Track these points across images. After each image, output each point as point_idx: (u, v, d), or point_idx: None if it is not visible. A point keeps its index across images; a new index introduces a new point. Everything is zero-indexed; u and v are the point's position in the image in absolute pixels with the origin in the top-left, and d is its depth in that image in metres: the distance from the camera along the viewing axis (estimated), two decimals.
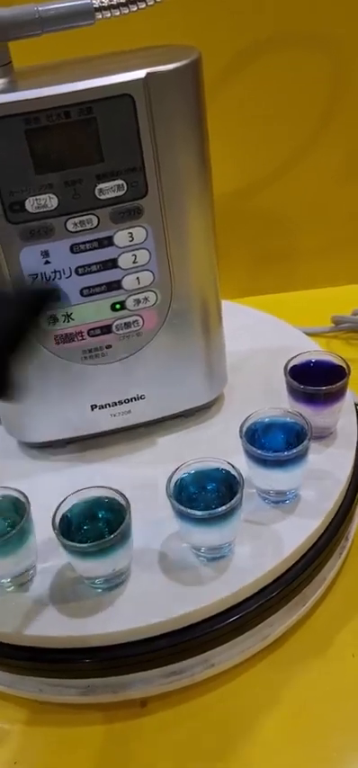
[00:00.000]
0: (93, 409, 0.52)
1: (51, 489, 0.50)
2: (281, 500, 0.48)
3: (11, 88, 0.41)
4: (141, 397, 0.52)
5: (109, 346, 0.49)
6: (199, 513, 0.42)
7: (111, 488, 0.43)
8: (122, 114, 0.41)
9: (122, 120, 0.41)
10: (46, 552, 0.47)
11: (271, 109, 0.72)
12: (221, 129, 0.64)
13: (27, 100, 0.40)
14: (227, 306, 0.56)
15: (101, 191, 0.43)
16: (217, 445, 0.51)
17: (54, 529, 0.42)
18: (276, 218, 0.79)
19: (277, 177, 0.76)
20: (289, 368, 0.52)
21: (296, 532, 0.46)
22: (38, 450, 0.56)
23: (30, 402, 0.52)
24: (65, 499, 0.43)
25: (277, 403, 0.50)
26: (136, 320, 0.48)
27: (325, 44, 0.70)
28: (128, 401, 0.52)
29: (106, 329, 0.48)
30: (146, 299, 0.47)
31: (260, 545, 0.46)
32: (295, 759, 0.41)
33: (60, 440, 0.55)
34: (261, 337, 0.65)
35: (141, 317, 0.48)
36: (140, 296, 0.47)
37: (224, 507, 0.42)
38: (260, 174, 0.76)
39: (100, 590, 0.44)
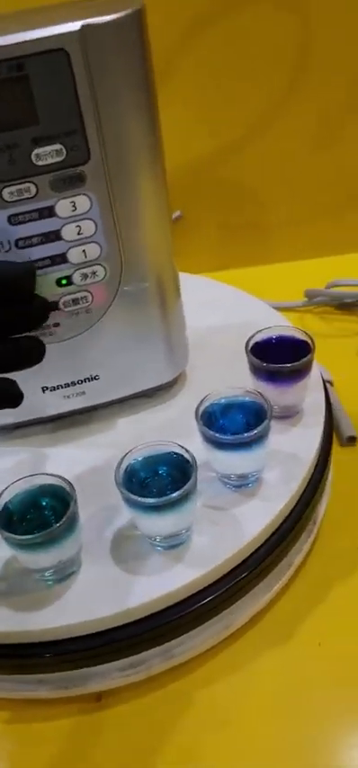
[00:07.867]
0: (44, 391, 0.50)
1: None
2: (242, 483, 0.46)
3: None
4: (95, 378, 0.50)
5: (57, 324, 0.46)
6: (149, 500, 0.40)
7: (55, 475, 0.41)
8: (57, 71, 0.38)
9: (57, 77, 0.38)
10: None
11: (239, 71, 0.69)
12: (186, 91, 0.61)
13: None
14: (190, 280, 0.53)
15: (38, 156, 0.40)
16: (179, 426, 0.48)
17: None
18: (245, 188, 0.76)
19: (245, 144, 0.73)
20: (250, 345, 0.49)
21: (258, 516, 0.44)
22: None
23: None
24: (6, 488, 0.41)
25: (243, 382, 0.47)
26: (84, 296, 0.45)
27: (293, 3, 0.67)
28: (81, 382, 0.50)
29: (53, 306, 0.45)
30: (94, 273, 0.45)
31: (219, 531, 0.44)
32: (258, 752, 0.39)
33: (9, 424, 0.52)
34: (227, 312, 0.62)
35: (90, 292, 0.45)
36: (88, 270, 0.44)
37: (177, 493, 0.39)
38: (228, 141, 0.73)
39: (50, 582, 0.42)
